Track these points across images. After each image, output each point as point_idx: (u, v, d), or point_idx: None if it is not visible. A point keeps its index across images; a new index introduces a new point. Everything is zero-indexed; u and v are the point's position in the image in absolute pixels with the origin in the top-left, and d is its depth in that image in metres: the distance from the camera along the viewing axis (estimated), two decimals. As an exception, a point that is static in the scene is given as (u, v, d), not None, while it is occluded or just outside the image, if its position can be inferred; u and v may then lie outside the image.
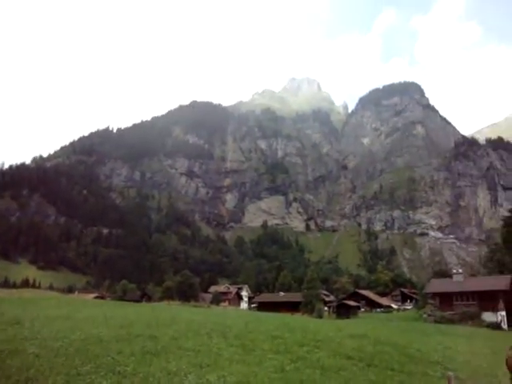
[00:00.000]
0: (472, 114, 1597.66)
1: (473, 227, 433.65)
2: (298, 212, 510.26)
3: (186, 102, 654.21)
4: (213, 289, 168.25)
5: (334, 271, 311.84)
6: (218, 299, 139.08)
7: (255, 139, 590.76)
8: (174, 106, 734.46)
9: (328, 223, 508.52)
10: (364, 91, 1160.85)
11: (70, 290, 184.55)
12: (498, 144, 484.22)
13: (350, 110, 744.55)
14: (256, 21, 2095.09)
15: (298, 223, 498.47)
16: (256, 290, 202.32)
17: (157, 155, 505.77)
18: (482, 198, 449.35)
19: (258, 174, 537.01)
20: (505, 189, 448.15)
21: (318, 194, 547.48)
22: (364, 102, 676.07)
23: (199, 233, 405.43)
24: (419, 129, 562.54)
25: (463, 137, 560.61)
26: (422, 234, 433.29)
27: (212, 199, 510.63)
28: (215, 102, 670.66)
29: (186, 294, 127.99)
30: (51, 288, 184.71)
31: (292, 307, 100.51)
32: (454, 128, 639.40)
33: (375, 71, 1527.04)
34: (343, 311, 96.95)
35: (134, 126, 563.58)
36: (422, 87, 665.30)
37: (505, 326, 62.23)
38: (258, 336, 23.82)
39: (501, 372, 17.43)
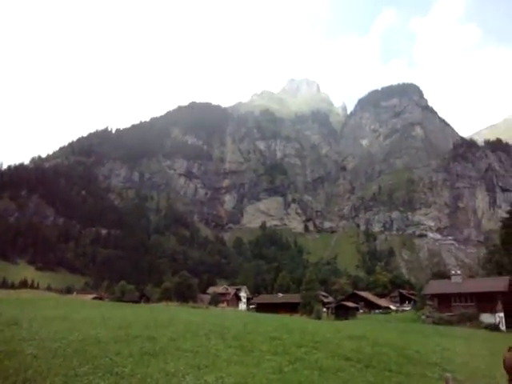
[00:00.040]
0: (471, 116, 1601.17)
1: (471, 228, 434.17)
2: (297, 213, 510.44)
3: (185, 102, 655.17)
4: (211, 290, 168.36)
5: (332, 272, 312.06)
6: (216, 300, 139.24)
7: (254, 140, 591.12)
8: (172, 106, 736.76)
9: (326, 224, 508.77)
10: (363, 92, 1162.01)
11: (68, 290, 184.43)
12: (496, 146, 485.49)
13: (348, 112, 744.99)
14: (255, 22, 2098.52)
15: (296, 224, 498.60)
16: (254, 291, 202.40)
17: (155, 156, 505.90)
18: (481, 200, 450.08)
19: (256, 175, 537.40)
20: (503, 190, 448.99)
21: (316, 195, 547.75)
22: (363, 104, 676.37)
23: (198, 234, 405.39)
24: (418, 130, 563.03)
25: (462, 138, 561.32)
26: (421, 236, 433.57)
27: (211, 200, 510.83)
28: (214, 102, 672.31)
29: (185, 295, 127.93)
30: (49, 289, 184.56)
31: (290, 308, 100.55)
32: (452, 129, 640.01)
33: (374, 72, 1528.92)
34: (342, 312, 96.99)
35: (133, 126, 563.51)
36: (421, 89, 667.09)
37: (503, 327, 62.26)
38: (257, 337, 23.79)
39: (499, 373, 17.42)
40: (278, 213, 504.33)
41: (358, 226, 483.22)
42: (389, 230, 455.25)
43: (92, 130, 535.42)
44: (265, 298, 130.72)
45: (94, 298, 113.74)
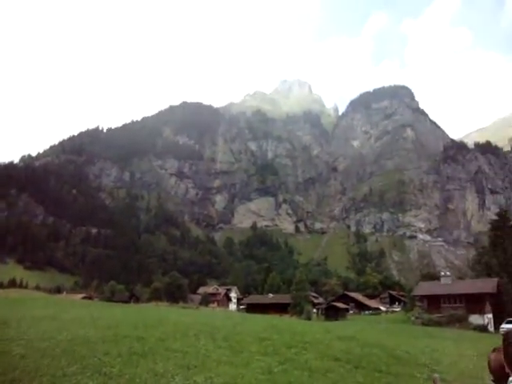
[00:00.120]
0: (461, 118, 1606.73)
1: (461, 230, 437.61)
2: (288, 214, 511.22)
3: (177, 102, 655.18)
4: (201, 290, 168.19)
5: (323, 273, 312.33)
6: (206, 300, 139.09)
7: (245, 141, 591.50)
8: (164, 106, 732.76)
9: (317, 225, 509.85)
10: (355, 94, 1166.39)
11: (57, 290, 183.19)
12: (486, 148, 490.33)
13: (340, 113, 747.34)
14: (247, 22, 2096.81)
15: (287, 225, 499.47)
16: (245, 291, 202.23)
17: (147, 155, 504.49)
18: (471, 202, 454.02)
19: (247, 175, 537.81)
20: (492, 192, 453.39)
21: (307, 195, 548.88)
22: (354, 105, 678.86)
23: (188, 234, 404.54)
24: (409, 132, 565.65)
25: (452, 141, 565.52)
26: (411, 237, 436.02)
27: (201, 200, 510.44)
28: (206, 102, 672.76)
29: (175, 295, 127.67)
30: (38, 288, 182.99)
31: (281, 309, 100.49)
32: (443, 132, 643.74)
33: (366, 74, 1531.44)
34: (332, 313, 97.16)
35: (124, 126, 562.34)
36: (412, 91, 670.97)
37: (491, 328, 62.67)
38: (246, 338, 23.79)
39: (486, 374, 17.51)
40: (269, 213, 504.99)
41: (349, 227, 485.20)
42: (379, 231, 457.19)
43: (83, 129, 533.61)
44: (255, 299, 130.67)
45: (84, 298, 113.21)
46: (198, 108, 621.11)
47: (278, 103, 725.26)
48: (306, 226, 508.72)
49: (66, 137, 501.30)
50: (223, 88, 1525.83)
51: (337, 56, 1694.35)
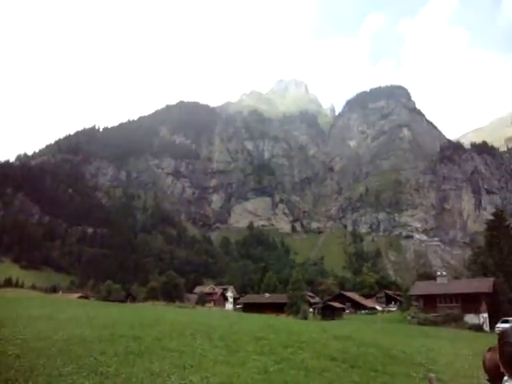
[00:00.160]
0: (457, 119, 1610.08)
1: (457, 230, 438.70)
2: (284, 213, 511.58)
3: (173, 101, 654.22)
4: (198, 289, 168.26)
5: (319, 273, 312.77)
6: (203, 300, 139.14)
7: (242, 140, 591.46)
8: (161, 105, 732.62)
9: (314, 225, 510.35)
10: (351, 94, 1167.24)
11: (53, 289, 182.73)
12: (482, 148, 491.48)
13: (337, 113, 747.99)
14: (243, 22, 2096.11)
15: (283, 224, 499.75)
16: (241, 290, 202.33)
17: (143, 155, 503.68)
18: (467, 202, 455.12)
19: (244, 174, 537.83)
20: (488, 192, 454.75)
21: (304, 195, 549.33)
22: (351, 105, 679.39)
23: (185, 233, 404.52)
24: (405, 132, 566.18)
25: (449, 141, 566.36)
26: (407, 237, 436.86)
27: (198, 199, 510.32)
28: (202, 102, 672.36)
29: (171, 295, 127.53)
30: (34, 288, 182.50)
31: (277, 308, 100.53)
32: (439, 132, 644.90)
33: (362, 74, 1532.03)
34: (328, 313, 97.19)
35: (121, 125, 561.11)
36: (409, 91, 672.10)
37: (487, 327, 62.92)
38: (243, 337, 23.79)
39: (482, 373, 17.55)
40: (266, 213, 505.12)
41: (345, 226, 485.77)
42: (376, 231, 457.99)
43: (79, 128, 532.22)
44: (251, 298, 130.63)
45: (80, 297, 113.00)
46: (194, 107, 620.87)
47: (274, 103, 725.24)
48: (302, 225, 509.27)
49: (62, 136, 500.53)
50: (220, 87, 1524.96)
51: (333, 56, 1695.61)
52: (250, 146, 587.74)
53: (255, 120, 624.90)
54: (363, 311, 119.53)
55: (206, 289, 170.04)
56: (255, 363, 16.98)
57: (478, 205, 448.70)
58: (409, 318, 72.58)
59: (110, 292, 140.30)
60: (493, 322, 62.51)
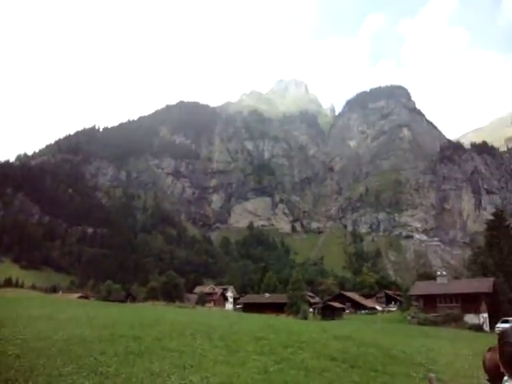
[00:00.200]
0: (457, 119, 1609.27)
1: (457, 230, 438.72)
2: (284, 213, 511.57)
3: (174, 101, 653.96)
4: (198, 289, 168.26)
5: (319, 273, 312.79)
6: (203, 300, 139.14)
7: (242, 140, 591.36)
8: (161, 105, 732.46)
9: (314, 225, 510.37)
10: (351, 93, 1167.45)
11: (53, 289, 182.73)
12: (482, 148, 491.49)
13: (336, 113, 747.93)
14: (244, 22, 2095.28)
15: (283, 224, 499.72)
16: (241, 290, 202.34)
17: (143, 155, 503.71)
18: (467, 202, 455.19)
19: (244, 174, 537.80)
20: (488, 193, 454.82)
21: (304, 195, 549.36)
22: (351, 105, 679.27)
23: (185, 233, 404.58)
24: (405, 132, 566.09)
25: (449, 141, 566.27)
26: (407, 237, 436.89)
27: (198, 199, 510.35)
28: (202, 102, 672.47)
29: (171, 295, 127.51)
30: (34, 288, 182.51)
31: (277, 308, 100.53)
32: (439, 132, 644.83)
33: (362, 74, 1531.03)
34: (328, 313, 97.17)
35: (121, 125, 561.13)
36: (409, 91, 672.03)
37: (487, 327, 62.92)
38: (243, 337, 23.79)
39: (482, 373, 17.55)
40: (266, 213, 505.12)
41: (345, 226, 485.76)
42: (376, 231, 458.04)
43: (79, 128, 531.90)
44: (251, 298, 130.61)
45: (80, 297, 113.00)
46: (194, 107, 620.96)
47: (274, 103, 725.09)
48: (302, 225, 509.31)
49: (62, 136, 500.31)
50: (220, 87, 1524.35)
51: (333, 56, 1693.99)
52: (249, 146, 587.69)
53: (255, 120, 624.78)
54: (363, 311, 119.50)
55: (206, 289, 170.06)
56: (255, 363, 16.98)
57: (478, 205, 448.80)
58: (409, 318, 72.57)
59: (110, 292, 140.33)
60: (493, 322, 62.51)
